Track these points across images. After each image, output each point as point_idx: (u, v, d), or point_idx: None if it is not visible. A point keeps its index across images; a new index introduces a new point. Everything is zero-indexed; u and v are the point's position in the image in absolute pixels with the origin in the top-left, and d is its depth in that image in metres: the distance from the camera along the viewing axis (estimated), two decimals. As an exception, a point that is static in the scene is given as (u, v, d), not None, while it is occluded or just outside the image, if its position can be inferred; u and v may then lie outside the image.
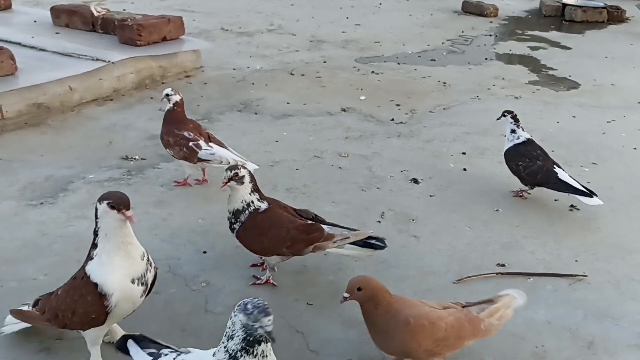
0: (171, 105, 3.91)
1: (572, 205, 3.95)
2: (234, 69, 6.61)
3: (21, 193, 3.82)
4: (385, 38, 8.39)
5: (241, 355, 1.80)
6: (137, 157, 4.41)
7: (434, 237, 3.57)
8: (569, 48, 8.24)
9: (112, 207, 2.24)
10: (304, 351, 2.62)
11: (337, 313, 2.88)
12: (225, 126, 5.09)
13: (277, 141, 4.83)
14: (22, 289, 2.94)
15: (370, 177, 4.28)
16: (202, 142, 3.83)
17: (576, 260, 3.38)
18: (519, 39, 8.67)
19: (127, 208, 2.24)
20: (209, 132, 4.06)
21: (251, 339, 1.78)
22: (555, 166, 3.90)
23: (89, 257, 2.37)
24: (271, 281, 3.07)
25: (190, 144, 3.81)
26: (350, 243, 2.91)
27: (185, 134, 3.84)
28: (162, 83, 6.00)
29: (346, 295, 2.39)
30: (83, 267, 2.38)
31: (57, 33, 6.45)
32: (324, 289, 3.06)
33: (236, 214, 2.97)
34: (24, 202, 3.71)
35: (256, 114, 5.41)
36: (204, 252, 3.31)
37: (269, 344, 1.83)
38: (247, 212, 2.95)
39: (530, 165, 3.89)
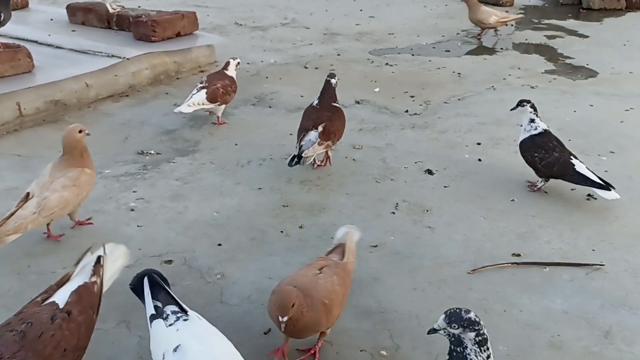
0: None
1: (589, 195, 3.90)
2: (247, 63, 6.62)
3: (40, 188, 3.88)
4: (400, 30, 8.34)
5: None
6: (152, 151, 4.45)
7: (449, 228, 3.55)
8: (587, 36, 8.12)
9: None
10: (319, 341, 2.64)
11: (351, 304, 2.89)
12: (240, 120, 5.11)
13: (291, 134, 4.82)
14: (41, 282, 2.97)
15: (385, 169, 4.27)
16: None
17: (593, 250, 3.35)
18: (536, 28, 8.56)
19: None
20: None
21: None
22: (572, 158, 3.84)
23: None
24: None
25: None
26: None
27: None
28: (177, 78, 6.04)
29: (284, 319, 2.23)
30: None
31: (73, 31, 6.53)
32: (338, 280, 3.06)
33: None
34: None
35: (270, 107, 5.43)
36: (219, 245, 3.34)
37: None
38: None
39: (547, 157, 3.83)
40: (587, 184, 3.74)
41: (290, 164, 3.93)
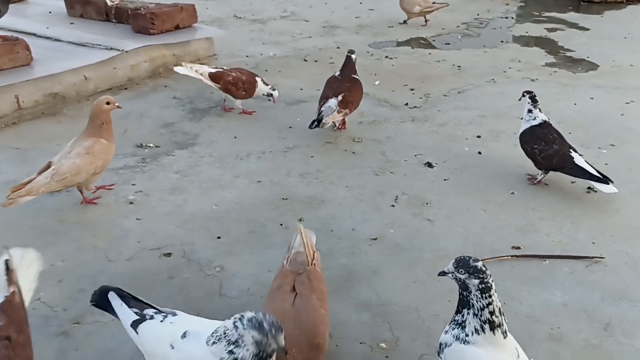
0: None
1: (589, 188, 3.89)
2: (247, 56, 6.61)
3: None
4: (399, 22, 8.31)
5: None
6: (151, 144, 4.43)
7: (449, 221, 3.54)
8: (587, 29, 8.10)
9: None
10: (318, 334, 2.63)
11: (351, 296, 2.89)
12: (239, 113, 5.09)
13: (290, 127, 4.83)
14: (41, 275, 2.96)
15: (384, 162, 4.26)
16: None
17: (593, 243, 3.34)
18: (536, 21, 8.54)
19: None
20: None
21: (264, 355, 1.86)
22: (571, 150, 3.84)
23: None
24: None
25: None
26: None
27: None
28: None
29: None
30: None
31: (71, 23, 6.50)
32: (337, 272, 3.06)
33: None
34: (42, 190, 3.76)
35: (269, 100, 5.40)
36: (218, 238, 3.33)
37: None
38: None
39: (547, 149, 3.83)
40: (585, 176, 3.74)
41: (310, 127, 4.45)
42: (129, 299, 2.25)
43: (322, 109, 4.47)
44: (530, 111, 3.95)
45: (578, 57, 6.84)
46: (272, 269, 3.01)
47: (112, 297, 2.25)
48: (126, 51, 5.64)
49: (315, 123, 4.42)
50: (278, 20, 8.33)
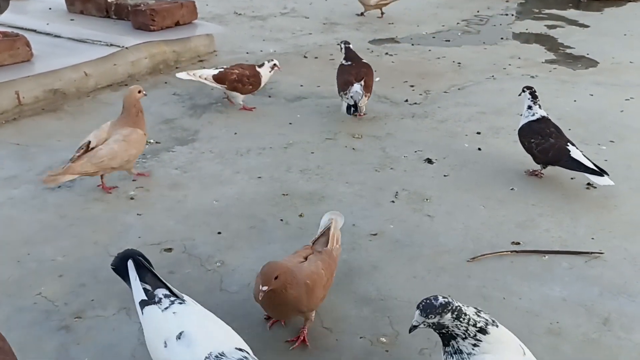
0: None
1: (588, 184, 3.90)
2: (247, 53, 6.61)
3: (39, 177, 3.87)
4: (399, 19, 8.31)
5: None
6: (151, 140, 4.43)
7: (449, 217, 3.55)
8: (587, 26, 8.10)
9: None
10: (318, 328, 2.64)
11: (351, 291, 2.90)
12: (239, 110, 5.09)
13: (290, 123, 4.84)
14: (41, 269, 3.00)
15: (384, 158, 4.27)
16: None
17: (592, 238, 3.35)
18: (536, 18, 8.53)
19: None
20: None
21: None
22: (568, 144, 3.85)
23: None
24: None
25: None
26: None
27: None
28: (176, 68, 6.02)
29: (264, 288, 2.25)
30: None
31: (71, 20, 6.50)
32: (337, 267, 3.06)
33: None
34: (42, 186, 3.76)
35: (270, 97, 5.41)
36: (219, 233, 3.34)
37: None
38: None
39: (543, 142, 3.85)
40: (580, 169, 3.76)
41: (348, 113, 4.73)
42: (145, 272, 2.26)
43: (351, 94, 4.65)
44: (530, 107, 3.97)
45: (578, 54, 6.84)
46: (273, 264, 3.03)
47: (130, 267, 2.26)
48: (126, 47, 5.64)
49: (353, 109, 4.66)
50: (278, 16, 8.32)
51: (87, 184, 3.81)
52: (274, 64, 5.06)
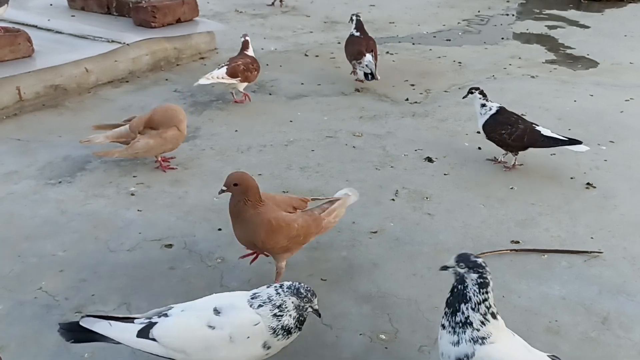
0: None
1: (588, 183, 3.92)
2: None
3: (40, 172, 3.88)
4: (400, 19, 8.32)
5: (294, 331, 2.15)
6: (152, 137, 4.44)
7: (448, 215, 3.56)
8: (588, 27, 8.11)
9: None
10: (318, 325, 2.65)
11: (351, 288, 2.91)
12: (240, 107, 5.10)
13: (291, 121, 4.84)
14: (42, 264, 3.00)
15: (385, 156, 4.28)
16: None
17: (592, 238, 3.36)
18: (537, 18, 8.55)
19: None
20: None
21: (302, 319, 2.15)
22: (535, 125, 3.99)
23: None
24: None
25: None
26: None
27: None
28: (177, 65, 6.03)
29: (223, 188, 2.62)
30: None
31: (72, 16, 6.49)
32: (337, 264, 3.08)
33: None
34: (43, 181, 3.77)
35: (270, 94, 5.42)
36: (219, 230, 3.35)
37: None
38: None
39: (515, 131, 3.95)
40: (557, 144, 3.91)
41: (367, 79, 5.47)
42: (110, 318, 2.11)
43: (365, 63, 5.37)
44: (484, 105, 4.08)
45: (578, 55, 6.85)
46: (272, 261, 3.04)
47: (89, 323, 2.06)
48: (127, 44, 5.64)
49: (370, 76, 5.37)
50: (279, 15, 8.33)
51: (88, 180, 3.82)
52: (245, 38, 5.25)
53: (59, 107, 4.93)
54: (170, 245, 3.19)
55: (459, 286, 2.05)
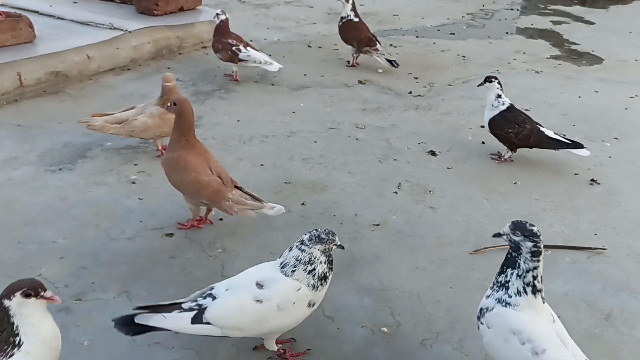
0: (219, 21, 5.24)
1: (592, 180, 3.90)
2: (250, 41, 6.51)
3: (40, 159, 3.85)
4: (404, 11, 8.27)
5: (329, 274, 2.23)
6: (154, 125, 4.40)
7: (451, 209, 3.54)
8: (593, 23, 8.06)
9: (28, 295, 1.88)
10: (319, 317, 2.63)
11: (353, 281, 2.89)
12: (242, 96, 5.07)
13: (293, 112, 4.81)
14: (42, 251, 2.98)
15: (387, 149, 4.25)
16: (241, 47, 5.17)
17: (595, 234, 3.34)
18: (542, 13, 8.50)
19: (44, 288, 1.91)
20: (247, 41, 5.32)
21: (331, 259, 2.23)
22: (539, 126, 3.99)
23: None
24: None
25: (233, 48, 5.15)
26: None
27: (230, 41, 5.18)
28: (179, 54, 5.98)
29: (169, 104, 3.03)
30: None
31: (74, 2, 6.43)
32: (339, 257, 3.01)
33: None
34: (43, 168, 3.74)
35: (273, 85, 5.38)
36: (220, 220, 3.32)
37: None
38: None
39: (522, 130, 3.94)
40: (562, 147, 3.92)
41: (394, 66, 5.61)
42: (157, 309, 2.20)
43: (381, 52, 5.61)
44: (499, 96, 4.02)
45: (583, 51, 6.82)
46: (274, 251, 3.02)
47: (145, 319, 2.16)
48: (130, 32, 5.59)
49: (396, 63, 5.62)
50: (282, 5, 8.27)
51: (88, 167, 3.79)
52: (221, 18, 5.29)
53: (59, 93, 4.89)
54: (171, 234, 3.17)
55: (514, 253, 2.08)
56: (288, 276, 2.19)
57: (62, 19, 5.76)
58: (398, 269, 2.99)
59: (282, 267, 2.22)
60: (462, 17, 8.17)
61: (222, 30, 5.25)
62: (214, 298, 2.20)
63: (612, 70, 6.15)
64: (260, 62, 5.15)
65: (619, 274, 3.01)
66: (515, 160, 4.12)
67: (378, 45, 5.62)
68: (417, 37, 7.10)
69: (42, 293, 1.90)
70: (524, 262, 2.04)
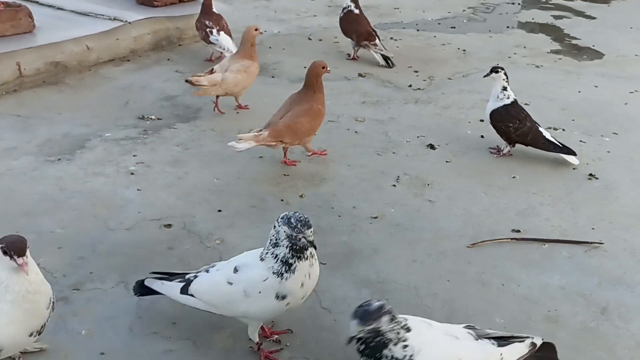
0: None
1: (590, 174, 3.90)
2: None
3: (39, 149, 3.85)
4: (405, 4, 8.23)
5: (294, 261, 2.14)
6: (153, 117, 4.41)
7: (450, 202, 3.55)
8: (594, 18, 8.04)
9: (4, 253, 1.94)
10: (317, 308, 2.65)
11: (350, 273, 2.90)
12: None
13: (293, 104, 4.79)
14: (41, 241, 2.98)
15: (387, 142, 4.25)
16: (215, 30, 5.33)
17: (593, 228, 3.35)
18: (543, 8, 8.47)
19: (20, 254, 1.94)
20: (228, 27, 5.49)
21: (297, 247, 2.12)
22: (538, 126, 4.01)
23: None
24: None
25: (207, 29, 5.33)
26: None
27: (207, 22, 5.37)
28: (179, 45, 5.96)
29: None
30: None
31: (74, -8, 6.42)
32: (337, 249, 3.07)
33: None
34: (42, 158, 3.75)
35: (273, 77, 5.38)
36: (219, 211, 3.33)
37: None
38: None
39: (521, 127, 3.96)
40: (556, 150, 3.96)
41: (388, 64, 5.65)
42: (166, 277, 2.42)
43: (380, 47, 5.60)
44: (505, 89, 4.00)
45: (583, 45, 6.79)
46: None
47: (150, 282, 2.41)
48: (129, 22, 5.58)
49: (390, 61, 5.64)
50: (283, -3, 8.23)
51: (87, 158, 3.79)
52: None
53: (59, 84, 4.88)
54: (169, 225, 3.18)
55: (376, 340, 1.92)
56: (262, 260, 2.19)
57: (61, 9, 5.75)
58: (396, 261, 3.00)
59: (263, 250, 2.23)
60: (463, 10, 8.14)
61: (205, 9, 5.45)
62: (206, 273, 2.34)
63: (613, 65, 6.14)
64: (224, 49, 5.27)
65: (616, 269, 3.02)
66: (514, 155, 4.12)
67: (377, 40, 5.61)
68: (417, 30, 7.08)
69: (15, 257, 1.93)
70: (392, 332, 1.92)
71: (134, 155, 3.85)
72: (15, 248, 1.94)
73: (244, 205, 3.39)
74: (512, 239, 3.21)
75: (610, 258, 3.10)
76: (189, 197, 3.44)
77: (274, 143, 3.57)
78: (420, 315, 2.62)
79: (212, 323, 2.52)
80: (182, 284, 2.33)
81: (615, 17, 8.13)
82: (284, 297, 2.19)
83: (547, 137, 3.96)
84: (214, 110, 4.53)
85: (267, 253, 2.19)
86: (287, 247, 2.13)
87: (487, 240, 3.18)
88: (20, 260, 1.93)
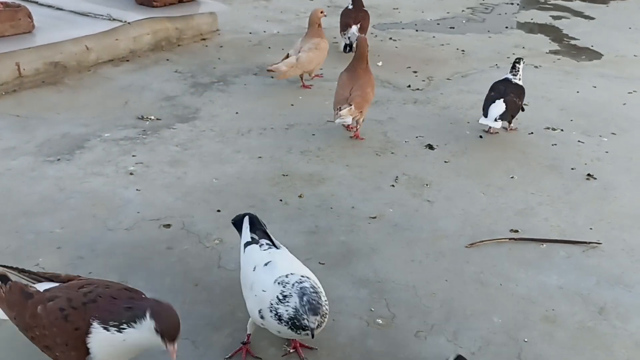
0: None
1: (588, 174, 3.91)
2: (250, 33, 6.56)
3: (38, 149, 3.86)
4: (404, 5, 8.25)
5: (284, 324, 2.16)
6: (152, 117, 4.41)
7: (448, 202, 3.55)
8: (593, 18, 8.05)
9: (156, 331, 1.90)
10: (315, 308, 2.65)
11: (349, 273, 2.91)
12: (241, 89, 5.07)
13: (292, 105, 4.81)
14: (40, 241, 2.99)
15: (385, 142, 4.26)
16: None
17: (591, 229, 3.36)
18: (542, 8, 8.48)
19: (172, 341, 1.90)
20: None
21: (297, 323, 2.14)
22: None
23: None
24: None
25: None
26: None
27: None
28: (178, 45, 5.97)
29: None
30: None
31: (73, -7, 6.42)
32: (335, 249, 3.07)
33: None
34: (41, 158, 3.75)
35: (272, 77, 5.37)
36: (218, 211, 3.34)
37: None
38: None
39: (520, 110, 4.45)
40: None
41: (345, 51, 5.87)
42: (257, 228, 2.54)
43: (349, 35, 5.81)
44: (515, 75, 4.46)
45: (582, 46, 6.81)
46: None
47: (245, 222, 2.57)
48: (129, 23, 5.58)
49: (348, 48, 5.82)
50: (282, -3, 8.24)
51: (86, 158, 3.80)
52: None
53: (58, 84, 4.89)
54: (168, 226, 3.18)
55: None
56: (274, 282, 2.22)
57: (61, 9, 5.75)
58: (394, 261, 3.01)
59: (283, 274, 2.23)
60: (462, 11, 8.15)
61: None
62: (278, 248, 2.46)
63: (611, 66, 6.15)
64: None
65: (614, 268, 3.02)
66: (512, 155, 4.13)
67: (348, 29, 5.84)
68: (416, 30, 7.09)
69: (166, 341, 1.89)
70: None
71: (133, 156, 3.86)
72: (169, 335, 1.88)
73: (243, 205, 3.39)
74: (510, 238, 3.22)
75: (608, 258, 3.11)
76: (188, 197, 3.45)
77: (358, 115, 4.07)
78: (419, 314, 2.65)
79: (212, 323, 2.53)
80: (250, 240, 2.47)
81: (614, 17, 8.15)
82: (263, 317, 2.23)
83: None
84: (301, 87, 5.07)
85: (278, 285, 2.20)
86: (290, 315, 2.14)
87: (485, 240, 3.19)
88: (170, 347, 1.89)
